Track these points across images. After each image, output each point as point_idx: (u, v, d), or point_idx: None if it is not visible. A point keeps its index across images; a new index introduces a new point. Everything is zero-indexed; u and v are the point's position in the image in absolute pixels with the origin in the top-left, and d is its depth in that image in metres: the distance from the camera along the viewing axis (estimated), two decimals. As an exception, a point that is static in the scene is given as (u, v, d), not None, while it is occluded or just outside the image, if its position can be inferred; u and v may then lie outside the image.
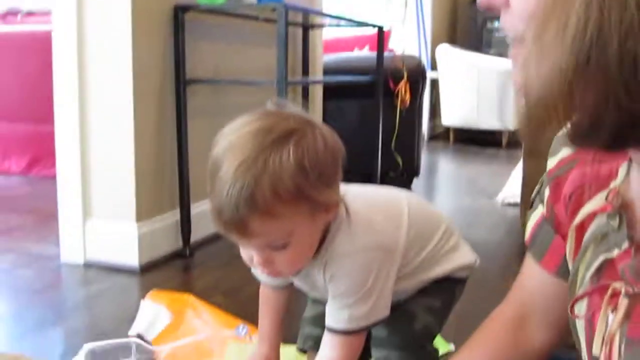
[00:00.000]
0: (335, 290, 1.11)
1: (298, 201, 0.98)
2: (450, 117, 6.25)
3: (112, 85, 2.43)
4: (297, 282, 1.22)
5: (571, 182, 0.82)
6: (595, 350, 0.70)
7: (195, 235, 2.67)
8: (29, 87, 4.12)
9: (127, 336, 1.86)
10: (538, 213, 0.94)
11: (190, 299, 1.94)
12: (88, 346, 1.65)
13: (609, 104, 0.50)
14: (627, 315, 0.67)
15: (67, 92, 2.48)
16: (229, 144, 0.99)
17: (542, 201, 0.91)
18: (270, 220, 0.97)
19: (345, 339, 1.12)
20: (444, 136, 6.57)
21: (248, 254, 1.05)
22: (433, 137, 6.61)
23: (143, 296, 1.99)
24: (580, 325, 0.75)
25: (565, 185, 0.83)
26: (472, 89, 6.03)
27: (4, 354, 1.73)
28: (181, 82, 2.57)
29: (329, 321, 1.13)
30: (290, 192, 0.96)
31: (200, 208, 2.70)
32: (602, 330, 0.69)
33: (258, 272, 1.23)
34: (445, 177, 5.15)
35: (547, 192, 0.88)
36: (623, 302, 0.68)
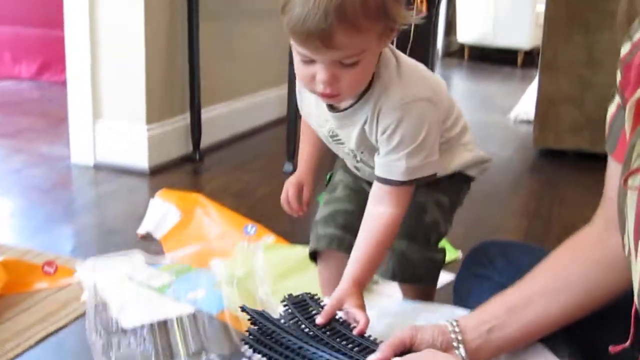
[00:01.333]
0: (391, 141, 1.10)
1: (379, 17, 0.98)
2: (466, 34, 6.15)
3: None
4: (334, 129, 1.18)
5: (637, 64, 0.80)
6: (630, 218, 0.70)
7: (205, 140, 2.66)
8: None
9: (135, 235, 1.88)
10: (614, 104, 0.91)
11: (199, 198, 1.94)
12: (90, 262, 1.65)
13: None
14: None
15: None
16: None
17: (617, 90, 0.88)
18: (353, 33, 0.96)
19: (400, 190, 1.12)
20: (458, 53, 6.47)
21: (310, 72, 1.02)
22: (448, 54, 6.51)
23: (152, 197, 2.00)
24: (632, 199, 0.74)
25: (632, 67, 0.81)
26: (489, 5, 5.91)
27: (13, 248, 1.75)
28: (193, -16, 2.52)
29: (383, 173, 1.12)
30: (377, 6, 0.96)
31: (211, 113, 2.69)
32: None
33: (304, 99, 1.22)
34: (459, 93, 5.09)
35: (618, 77, 0.86)
36: None
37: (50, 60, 4.12)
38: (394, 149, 1.10)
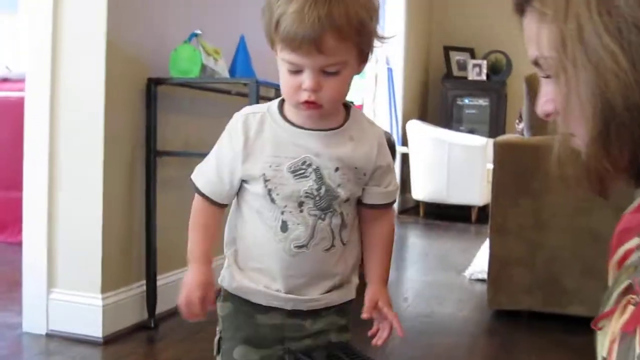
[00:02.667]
0: (384, 165, 1.29)
1: (361, 32, 1.15)
2: (420, 192, 6.31)
3: (83, 154, 2.44)
4: (311, 155, 1.23)
5: (620, 226, 0.92)
6: (601, 351, 0.78)
7: (161, 307, 2.65)
8: (-1, 152, 4.11)
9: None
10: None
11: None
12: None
13: None
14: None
15: (37, 159, 2.49)
16: None
17: None
18: (339, 40, 1.13)
19: (392, 208, 1.37)
20: (414, 210, 6.62)
21: (296, 82, 1.17)
22: (403, 211, 6.65)
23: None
24: (601, 341, 0.83)
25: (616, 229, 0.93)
26: (441, 164, 6.11)
27: None
28: (152, 153, 2.59)
29: (382, 200, 1.32)
30: (360, 21, 1.14)
31: (166, 279, 2.69)
32: (612, 332, 0.79)
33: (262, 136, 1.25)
34: (415, 251, 5.16)
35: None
36: (629, 309, 0.79)
37: (7, 221, 4.12)
38: (387, 172, 1.30)
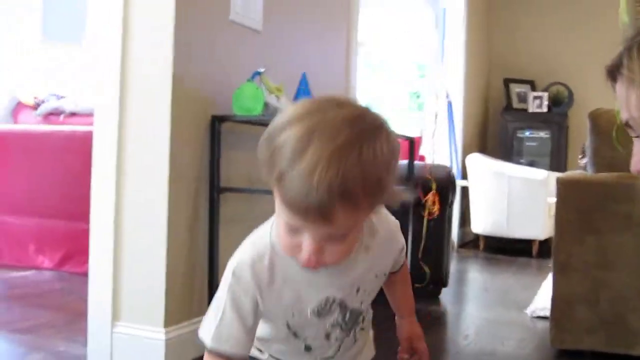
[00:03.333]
0: (400, 249, 1.28)
1: (377, 194, 1.00)
2: (481, 225, 6.25)
3: (148, 189, 2.50)
4: (333, 290, 1.16)
5: None
6: None
7: (222, 341, 2.66)
8: (66, 185, 4.22)
9: None
10: None
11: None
12: None
13: None
14: None
15: (104, 192, 2.55)
16: (314, 126, 0.96)
17: None
18: (351, 211, 0.97)
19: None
20: (474, 244, 6.55)
21: (296, 242, 1.02)
22: (463, 244, 6.59)
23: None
24: None
25: None
26: (502, 197, 6.05)
27: None
28: (215, 190, 2.63)
29: (400, 265, 1.32)
30: (377, 185, 0.98)
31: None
32: None
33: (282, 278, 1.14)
34: (475, 286, 5.10)
35: None
36: None
37: (73, 251, 4.21)
38: (401, 250, 1.28)
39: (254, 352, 1.23)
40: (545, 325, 3.30)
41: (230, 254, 2.74)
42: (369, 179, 0.95)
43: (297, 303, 1.14)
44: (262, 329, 1.20)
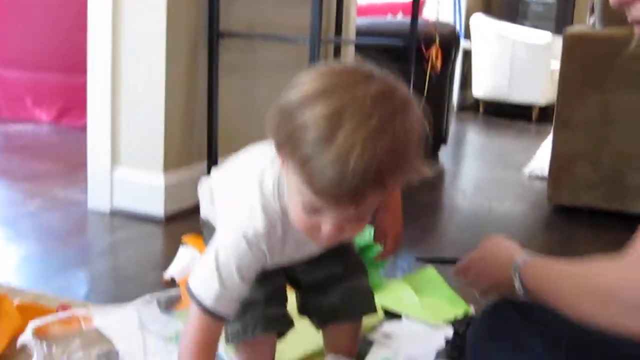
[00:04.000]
0: None
1: (405, 175, 0.95)
2: (481, 88, 6.19)
3: (145, 36, 2.44)
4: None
5: None
6: None
7: (221, 189, 2.67)
8: (61, 37, 4.15)
9: (150, 281, 1.89)
10: None
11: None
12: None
13: None
14: None
15: (100, 43, 2.49)
16: (343, 105, 0.89)
17: None
18: (380, 192, 0.92)
19: None
20: (474, 107, 6.51)
21: (314, 222, 0.97)
22: (463, 107, 6.56)
23: (167, 245, 2.02)
24: None
25: None
26: (504, 60, 5.97)
27: (28, 291, 1.76)
28: (214, 35, 2.57)
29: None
30: (407, 165, 0.93)
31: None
32: None
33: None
34: (474, 147, 5.12)
35: None
36: None
37: (70, 105, 4.18)
38: None
39: None
40: (542, 184, 3.32)
41: (230, 101, 2.72)
42: (400, 161, 0.91)
43: (296, 254, 1.15)
44: None
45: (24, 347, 1.43)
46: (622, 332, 0.85)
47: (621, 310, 0.84)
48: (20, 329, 1.48)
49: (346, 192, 0.88)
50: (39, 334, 1.47)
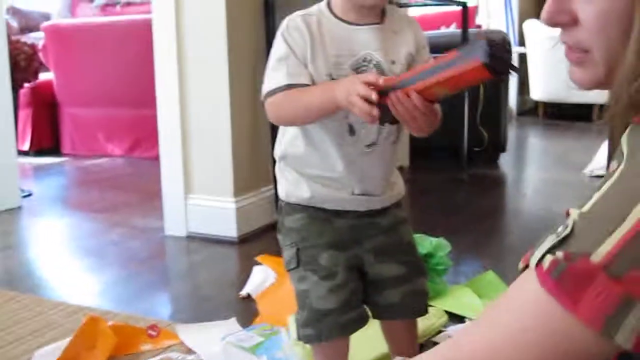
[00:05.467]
0: (421, 35, 1.33)
1: None
2: (539, 92, 6.20)
3: (209, 67, 2.60)
4: (372, 49, 1.23)
5: None
6: None
7: (288, 209, 2.80)
8: (129, 74, 4.35)
9: (227, 299, 2.03)
10: None
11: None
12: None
13: None
14: None
15: (167, 77, 2.66)
16: None
17: None
18: None
19: None
20: (533, 111, 6.51)
21: None
22: (522, 112, 6.56)
23: (241, 264, 2.16)
24: None
25: None
26: (561, 62, 5.94)
27: (118, 313, 1.92)
28: (272, 64, 2.70)
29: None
30: None
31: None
32: None
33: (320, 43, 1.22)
34: (534, 151, 5.14)
35: None
36: None
37: (141, 138, 4.37)
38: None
39: (316, 191, 1.29)
40: (603, 183, 3.34)
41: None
42: None
43: (338, 56, 1.21)
44: (305, 135, 1.28)
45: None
46: None
47: None
48: (115, 348, 1.64)
49: None
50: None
